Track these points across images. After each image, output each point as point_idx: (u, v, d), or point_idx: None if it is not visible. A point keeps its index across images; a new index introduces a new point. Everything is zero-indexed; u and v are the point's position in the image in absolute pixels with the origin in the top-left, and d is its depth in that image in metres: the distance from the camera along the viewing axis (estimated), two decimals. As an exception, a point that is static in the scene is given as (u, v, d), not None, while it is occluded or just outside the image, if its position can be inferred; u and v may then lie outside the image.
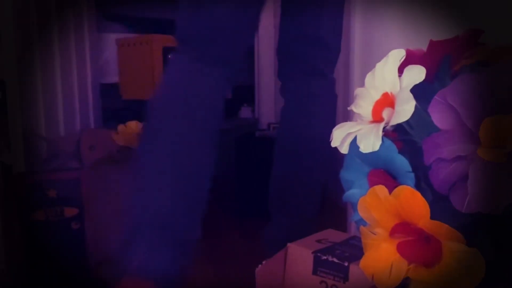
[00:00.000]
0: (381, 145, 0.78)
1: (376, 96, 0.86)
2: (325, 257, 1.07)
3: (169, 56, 1.67)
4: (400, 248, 0.78)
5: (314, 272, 1.08)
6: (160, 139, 1.42)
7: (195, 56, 1.46)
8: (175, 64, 1.51)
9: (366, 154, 0.81)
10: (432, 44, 0.89)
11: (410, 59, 0.84)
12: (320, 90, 1.65)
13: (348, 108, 0.92)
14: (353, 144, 0.84)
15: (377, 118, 0.84)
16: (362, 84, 0.90)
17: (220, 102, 1.50)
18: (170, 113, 1.45)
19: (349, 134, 0.85)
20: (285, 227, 1.64)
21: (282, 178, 1.67)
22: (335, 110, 1.70)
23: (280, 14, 1.67)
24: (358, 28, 1.64)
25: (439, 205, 0.74)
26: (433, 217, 0.72)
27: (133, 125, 1.89)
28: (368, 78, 0.88)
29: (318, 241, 1.16)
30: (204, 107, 1.47)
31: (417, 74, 0.78)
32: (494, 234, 0.75)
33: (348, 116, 0.97)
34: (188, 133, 1.44)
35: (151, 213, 1.37)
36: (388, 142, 0.80)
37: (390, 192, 0.76)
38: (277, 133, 1.70)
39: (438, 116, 0.75)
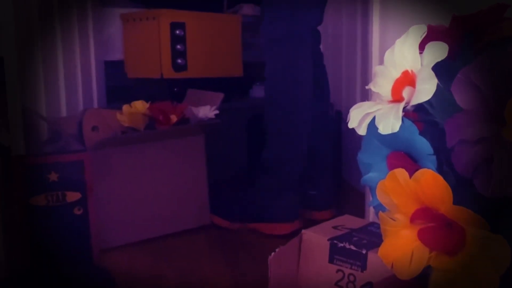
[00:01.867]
0: (401, 126, 0.79)
1: (396, 74, 0.86)
2: (342, 245, 1.07)
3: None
4: (421, 235, 0.78)
5: (330, 261, 1.09)
6: None
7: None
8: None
9: (385, 135, 0.81)
10: (454, 19, 0.89)
11: (431, 36, 0.84)
12: None
13: (367, 87, 0.93)
14: (372, 125, 0.84)
15: (397, 97, 0.84)
16: (381, 62, 0.90)
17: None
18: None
19: (367, 114, 0.86)
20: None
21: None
22: None
23: None
24: (377, 3, 1.63)
25: (462, 190, 0.74)
26: (456, 202, 0.72)
27: (139, 105, 1.89)
28: (388, 56, 0.89)
29: (335, 227, 1.16)
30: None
31: (439, 51, 0.78)
32: (520, 220, 0.75)
33: (366, 96, 0.97)
34: None
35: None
36: (409, 123, 0.80)
37: (410, 175, 0.77)
38: None
39: (461, 96, 0.76)
